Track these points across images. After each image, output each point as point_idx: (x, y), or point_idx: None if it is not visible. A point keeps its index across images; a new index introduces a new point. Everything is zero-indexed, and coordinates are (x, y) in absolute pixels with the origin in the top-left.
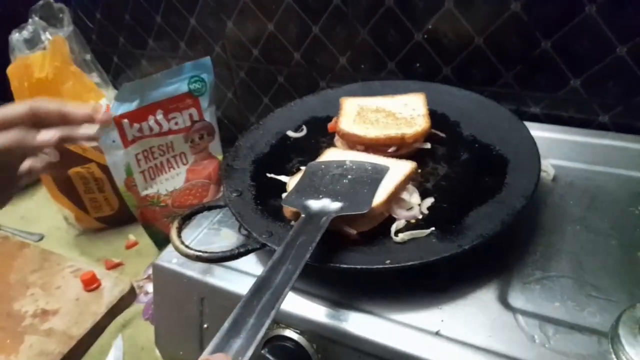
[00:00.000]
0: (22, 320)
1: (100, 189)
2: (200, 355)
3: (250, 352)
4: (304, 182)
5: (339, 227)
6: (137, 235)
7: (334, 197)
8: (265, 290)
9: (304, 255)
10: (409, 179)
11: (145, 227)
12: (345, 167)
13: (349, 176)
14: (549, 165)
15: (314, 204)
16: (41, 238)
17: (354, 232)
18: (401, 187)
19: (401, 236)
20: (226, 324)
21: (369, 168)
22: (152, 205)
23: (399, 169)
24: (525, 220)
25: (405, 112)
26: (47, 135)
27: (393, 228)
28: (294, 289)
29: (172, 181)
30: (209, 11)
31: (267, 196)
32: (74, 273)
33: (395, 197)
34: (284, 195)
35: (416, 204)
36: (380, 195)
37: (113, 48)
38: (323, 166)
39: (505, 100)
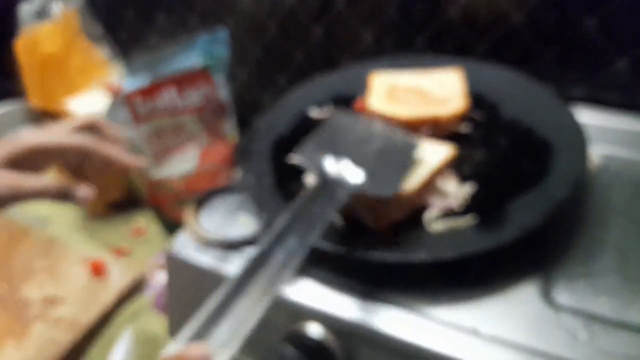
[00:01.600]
0: (30, 307)
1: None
2: (172, 343)
3: (237, 344)
4: (324, 134)
5: (358, 212)
6: (145, 221)
7: (357, 163)
8: (262, 268)
9: (313, 232)
10: (447, 165)
11: (155, 212)
12: (374, 130)
13: (377, 143)
14: (592, 153)
15: (332, 167)
16: (47, 223)
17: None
18: (437, 174)
19: (437, 226)
20: (209, 306)
21: (401, 141)
22: (163, 189)
23: (436, 154)
24: (569, 210)
25: (439, 91)
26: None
27: (426, 217)
28: (319, 281)
29: (184, 164)
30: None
31: (287, 180)
32: (81, 259)
33: (430, 185)
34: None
35: (453, 192)
36: (412, 182)
37: (122, 22)
38: (349, 120)
39: (544, 80)
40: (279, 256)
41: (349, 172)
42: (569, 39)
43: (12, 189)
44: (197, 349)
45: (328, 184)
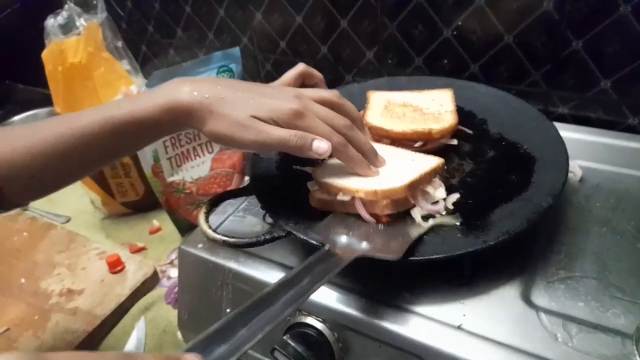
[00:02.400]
0: (48, 298)
1: (126, 174)
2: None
3: None
4: (336, 217)
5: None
6: (161, 221)
7: (364, 238)
8: (266, 305)
9: (317, 284)
10: (435, 172)
11: (170, 214)
12: None
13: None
14: (576, 166)
15: (342, 240)
16: (68, 220)
17: (372, 220)
18: (426, 178)
19: (428, 222)
20: (214, 327)
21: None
22: (177, 192)
23: (425, 162)
24: (551, 220)
25: (432, 107)
26: (323, 147)
27: (416, 214)
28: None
29: (197, 169)
30: (237, 2)
31: (293, 185)
32: (99, 255)
33: (419, 187)
34: (309, 185)
35: (441, 198)
36: (403, 180)
37: (142, 37)
38: None
39: (533, 99)
40: (282, 299)
41: (356, 243)
42: (558, 60)
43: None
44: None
45: (337, 250)
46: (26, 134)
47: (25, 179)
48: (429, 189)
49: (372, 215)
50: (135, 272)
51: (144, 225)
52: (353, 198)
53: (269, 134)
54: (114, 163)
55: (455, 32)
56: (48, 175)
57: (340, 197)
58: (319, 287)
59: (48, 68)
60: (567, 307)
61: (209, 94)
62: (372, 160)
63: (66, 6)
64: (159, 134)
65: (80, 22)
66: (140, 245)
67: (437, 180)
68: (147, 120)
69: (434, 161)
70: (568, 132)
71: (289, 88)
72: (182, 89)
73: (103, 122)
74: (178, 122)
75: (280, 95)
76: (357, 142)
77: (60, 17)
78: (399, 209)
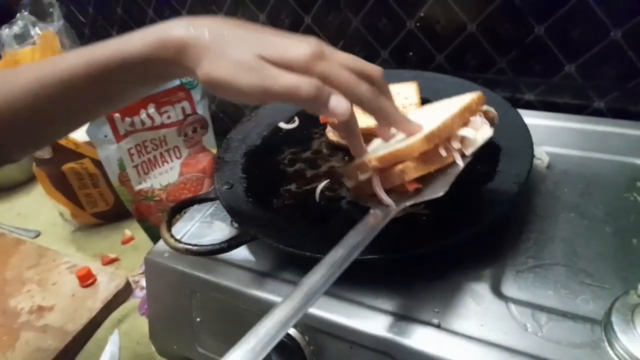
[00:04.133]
0: (18, 316)
1: (94, 184)
2: None
3: None
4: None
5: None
6: (133, 230)
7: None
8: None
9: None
10: (470, 111)
11: (140, 222)
12: None
13: None
14: (543, 153)
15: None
16: (37, 235)
17: (390, 202)
18: (455, 123)
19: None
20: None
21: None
22: (147, 199)
23: (455, 104)
24: (519, 208)
25: (397, 100)
26: (342, 105)
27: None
28: (285, 280)
29: (166, 175)
30: (200, 3)
31: (259, 188)
32: (70, 269)
33: (449, 135)
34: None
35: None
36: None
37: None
38: None
39: (500, 87)
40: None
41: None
42: (522, 47)
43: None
44: None
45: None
46: (3, 80)
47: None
48: (466, 131)
49: (398, 188)
50: (107, 284)
51: (116, 235)
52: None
53: (276, 79)
54: (101, 115)
55: (418, 24)
56: (29, 128)
57: (360, 176)
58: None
59: None
60: (536, 296)
61: (208, 30)
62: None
63: (20, 15)
64: (149, 78)
65: (35, 32)
66: (113, 256)
67: (477, 119)
68: (136, 59)
69: (467, 98)
70: (535, 119)
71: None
72: (178, 24)
73: (86, 65)
74: (169, 62)
75: (296, 37)
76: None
77: (16, 27)
78: (430, 167)
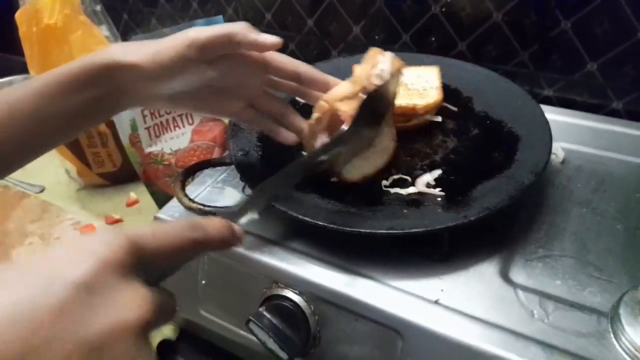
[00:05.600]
0: None
1: (103, 143)
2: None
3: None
4: None
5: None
6: (138, 193)
7: None
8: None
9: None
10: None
11: (147, 186)
12: None
13: None
14: (559, 148)
15: None
16: (42, 190)
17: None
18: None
19: (411, 189)
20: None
21: None
22: (155, 163)
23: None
24: (532, 198)
25: (417, 83)
26: (272, 38)
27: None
28: (293, 249)
29: (176, 140)
30: None
31: (274, 157)
32: (74, 225)
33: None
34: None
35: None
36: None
37: (124, 4)
38: None
39: (519, 80)
40: None
41: None
42: (546, 40)
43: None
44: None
45: None
46: None
47: None
48: (379, 66)
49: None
50: None
51: (120, 197)
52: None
53: None
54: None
55: (444, 9)
56: None
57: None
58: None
59: (22, 29)
60: (544, 284)
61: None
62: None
63: None
64: (111, 88)
65: None
66: (117, 217)
67: (379, 57)
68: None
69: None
70: (552, 115)
71: None
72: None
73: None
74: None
75: None
76: None
77: None
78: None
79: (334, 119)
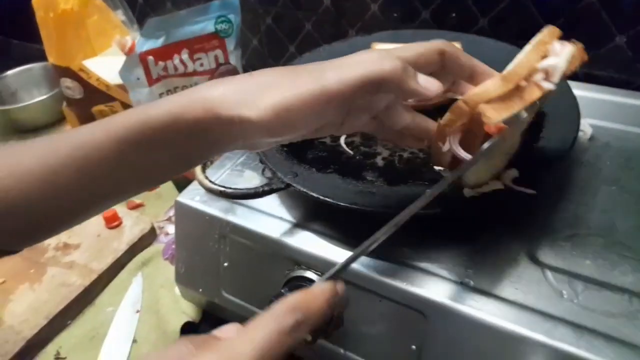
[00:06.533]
0: (44, 252)
1: None
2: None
3: None
4: None
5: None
6: None
7: None
8: None
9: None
10: (545, 42)
11: None
12: None
13: None
14: (586, 125)
15: None
16: None
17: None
18: (532, 58)
19: (468, 192)
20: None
21: None
22: None
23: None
24: (559, 177)
25: None
26: (432, 83)
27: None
28: (314, 230)
29: None
30: None
31: None
32: None
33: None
34: None
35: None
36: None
37: None
38: None
39: None
40: None
41: None
42: (572, 14)
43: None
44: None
45: None
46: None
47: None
48: (548, 61)
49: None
50: (132, 227)
51: None
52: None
53: (349, 64)
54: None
55: None
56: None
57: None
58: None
59: (39, 15)
60: (573, 264)
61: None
62: None
63: None
64: (205, 144)
65: None
66: (138, 201)
67: (555, 46)
68: (183, 120)
69: (538, 35)
70: (579, 90)
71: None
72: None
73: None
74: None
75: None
76: None
77: None
78: (512, 106)
79: (473, 120)
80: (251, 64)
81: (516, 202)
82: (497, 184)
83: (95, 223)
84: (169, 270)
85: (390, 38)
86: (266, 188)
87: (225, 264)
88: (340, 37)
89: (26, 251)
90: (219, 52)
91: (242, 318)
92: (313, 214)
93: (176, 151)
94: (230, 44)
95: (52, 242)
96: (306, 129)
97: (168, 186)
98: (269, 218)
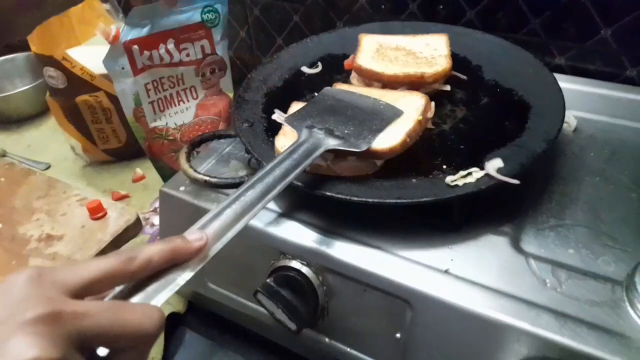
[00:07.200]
0: (27, 243)
1: (107, 119)
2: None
3: (224, 239)
4: (312, 107)
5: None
6: (144, 169)
7: (335, 132)
8: (251, 191)
9: (285, 178)
10: (425, 120)
11: (153, 161)
12: (357, 102)
13: (359, 111)
14: (571, 117)
15: (314, 133)
16: (47, 167)
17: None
18: (416, 131)
19: (451, 178)
20: (210, 213)
21: (382, 107)
22: (160, 138)
23: (412, 105)
24: (544, 168)
25: (426, 51)
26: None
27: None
28: (300, 220)
29: (181, 115)
30: None
31: (279, 129)
32: (80, 201)
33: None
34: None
35: None
36: (394, 139)
37: None
38: (337, 96)
39: (530, 49)
40: (256, 191)
41: (325, 138)
42: (559, 7)
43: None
44: (197, 233)
45: (306, 142)
46: None
47: None
48: None
49: None
50: (117, 218)
51: (126, 173)
52: None
53: None
54: (94, 107)
55: None
56: None
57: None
58: (286, 183)
59: None
60: (556, 254)
61: None
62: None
63: None
64: None
65: None
66: (123, 193)
67: None
68: None
69: (419, 102)
70: (564, 83)
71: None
72: None
73: None
74: None
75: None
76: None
77: None
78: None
79: None
80: (239, 57)
81: (501, 191)
82: (480, 172)
83: (79, 214)
84: None
85: (378, 29)
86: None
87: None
88: (328, 29)
89: (8, 243)
90: (205, 42)
91: (229, 309)
92: (298, 204)
93: None
94: (217, 34)
95: (34, 233)
96: None
97: (154, 177)
98: None
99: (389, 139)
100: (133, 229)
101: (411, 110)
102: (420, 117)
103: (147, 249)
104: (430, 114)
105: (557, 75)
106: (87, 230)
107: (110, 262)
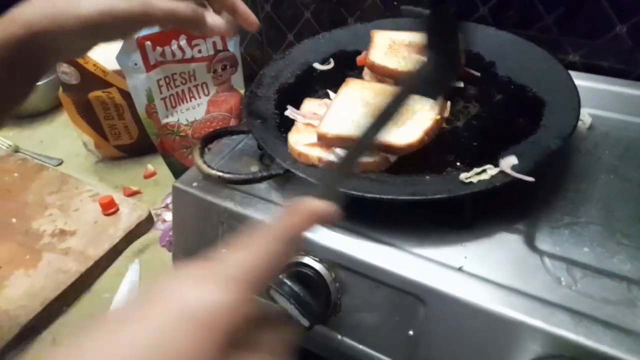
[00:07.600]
0: (40, 238)
1: (120, 115)
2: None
3: None
4: None
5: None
6: (155, 165)
7: None
8: None
9: None
10: (442, 119)
11: (164, 157)
12: None
13: None
14: (585, 114)
15: None
16: (60, 163)
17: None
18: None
19: (465, 175)
20: None
21: None
22: (172, 134)
23: (429, 103)
24: (558, 165)
25: None
26: (218, 22)
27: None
28: None
29: (192, 111)
30: None
31: (291, 125)
32: (92, 197)
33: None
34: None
35: None
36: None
37: None
38: None
39: (543, 45)
40: None
41: None
42: (572, 3)
43: (145, 6)
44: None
45: None
46: None
47: None
48: None
49: None
50: (129, 214)
51: (138, 169)
52: None
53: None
54: (106, 103)
55: None
56: None
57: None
58: None
59: None
60: (571, 252)
61: None
62: None
63: None
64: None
65: None
66: (135, 188)
67: None
68: None
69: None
70: (578, 80)
71: None
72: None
73: None
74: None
75: None
76: None
77: None
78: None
79: None
80: (249, 53)
81: (515, 189)
82: (495, 169)
83: (91, 210)
84: (166, 257)
85: (390, 25)
86: (265, 173)
87: (224, 251)
88: (339, 25)
89: (22, 237)
90: (217, 38)
91: None
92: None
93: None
94: None
95: (48, 228)
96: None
97: (165, 173)
98: (267, 204)
99: (406, 135)
100: (145, 225)
101: (428, 108)
102: (439, 117)
103: None
104: (446, 114)
105: (571, 72)
106: (99, 225)
107: None
